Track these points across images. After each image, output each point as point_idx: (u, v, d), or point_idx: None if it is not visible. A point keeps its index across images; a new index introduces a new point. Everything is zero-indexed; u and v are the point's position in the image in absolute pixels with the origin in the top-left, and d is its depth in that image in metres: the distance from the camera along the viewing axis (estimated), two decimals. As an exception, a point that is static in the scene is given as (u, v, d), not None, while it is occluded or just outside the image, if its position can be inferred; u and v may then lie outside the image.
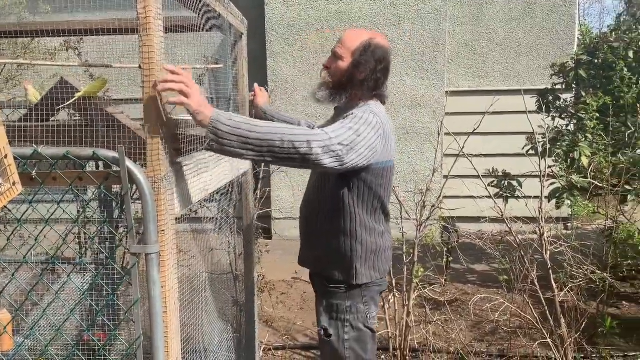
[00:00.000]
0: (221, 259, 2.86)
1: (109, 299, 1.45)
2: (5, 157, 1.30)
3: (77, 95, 1.77)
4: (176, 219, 1.56)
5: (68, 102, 1.80)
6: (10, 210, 1.77)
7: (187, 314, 1.96)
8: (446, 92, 6.00)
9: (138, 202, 1.41)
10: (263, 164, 3.14)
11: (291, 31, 5.89)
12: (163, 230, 1.43)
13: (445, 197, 5.08)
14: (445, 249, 4.13)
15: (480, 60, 6.28)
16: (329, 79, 1.97)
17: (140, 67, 1.38)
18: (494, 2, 6.15)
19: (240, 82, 2.36)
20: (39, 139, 1.74)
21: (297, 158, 1.62)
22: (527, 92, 4.51)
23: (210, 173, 1.84)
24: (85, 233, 2.40)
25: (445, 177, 3.23)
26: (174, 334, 1.49)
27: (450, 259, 3.74)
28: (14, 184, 1.33)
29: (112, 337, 1.62)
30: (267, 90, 2.61)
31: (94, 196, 2.08)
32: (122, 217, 2.53)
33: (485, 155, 5.22)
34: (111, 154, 1.37)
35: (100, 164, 1.55)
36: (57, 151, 1.37)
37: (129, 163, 1.35)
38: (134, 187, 1.37)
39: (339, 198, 1.92)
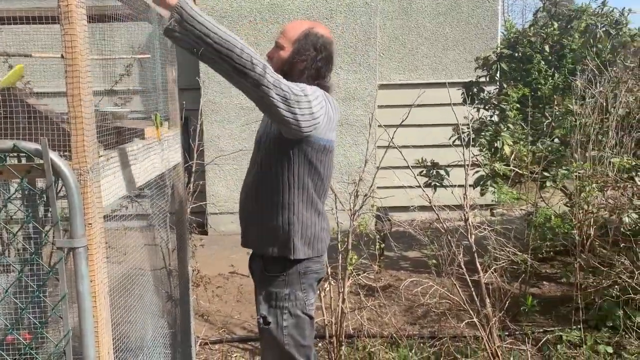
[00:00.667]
0: (154, 255, 2.81)
1: (34, 296, 1.41)
2: None
3: (-3, 86, 1.69)
4: (104, 214, 1.53)
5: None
6: None
7: (120, 311, 1.93)
8: (378, 85, 6.13)
9: (64, 199, 1.37)
10: (195, 157, 3.12)
11: (223, 23, 5.81)
12: (90, 224, 1.40)
13: (378, 187, 5.22)
14: (378, 237, 4.25)
15: (410, 54, 6.45)
16: None
17: (62, 56, 1.35)
18: (422, -3, 6.33)
19: (169, 73, 2.32)
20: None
21: (251, 75, 1.65)
22: (453, 84, 4.70)
23: (139, 165, 1.82)
24: (8, 231, 2.29)
25: (378, 167, 3.33)
26: (104, 329, 1.46)
27: (383, 246, 3.86)
28: None
29: (39, 336, 1.57)
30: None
31: (16, 192, 1.99)
32: (49, 213, 2.43)
33: (416, 146, 5.40)
34: (33, 146, 1.33)
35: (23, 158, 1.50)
36: (-27, 144, 1.31)
37: (52, 155, 1.32)
38: (60, 180, 1.34)
39: (278, 170, 1.95)
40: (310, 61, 1.95)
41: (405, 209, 4.31)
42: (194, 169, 3.03)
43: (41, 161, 1.32)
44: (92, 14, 1.68)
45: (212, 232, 5.90)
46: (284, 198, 1.96)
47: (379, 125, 3.40)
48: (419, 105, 3.61)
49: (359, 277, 3.23)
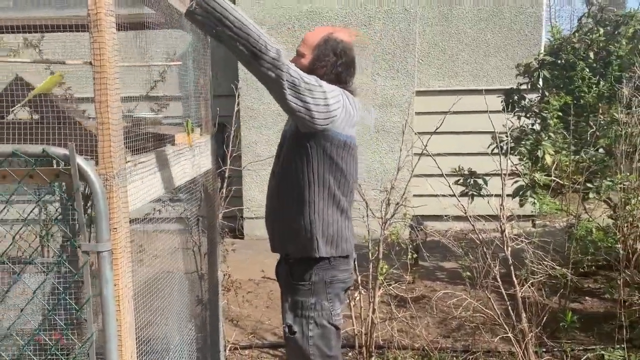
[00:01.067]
0: (185, 258, 2.84)
1: (60, 298, 1.44)
2: (-50, 154, 1.28)
3: (33, 92, 1.74)
4: (132, 218, 1.55)
5: (24, 100, 1.77)
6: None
7: (148, 314, 1.95)
8: (416, 91, 6.06)
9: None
10: (228, 159, 3.14)
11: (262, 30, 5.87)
12: (115, 228, 1.42)
13: (413, 195, 5.14)
14: (411, 247, 4.18)
15: (450, 61, 6.35)
16: None
17: (91, 63, 1.37)
18: (462, 2, 6.23)
19: (202, 80, 2.35)
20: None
21: (265, 58, 1.68)
22: (494, 92, 4.59)
23: (169, 171, 1.84)
24: (44, 233, 2.36)
25: (412, 175, 3.27)
26: (127, 333, 1.48)
27: (415, 256, 3.79)
28: (-41, 181, 1.31)
29: (66, 338, 1.60)
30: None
31: (45, 195, 2.05)
32: (85, 215, 2.49)
33: (453, 154, 5.31)
34: (62, 151, 1.35)
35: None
36: (5, 149, 1.35)
37: (79, 160, 1.34)
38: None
39: (297, 166, 1.94)
40: (330, 66, 1.95)
41: (439, 218, 4.24)
42: (227, 175, 3.05)
43: (69, 166, 1.34)
44: (123, 22, 1.71)
45: (247, 237, 5.94)
46: (304, 194, 1.94)
47: (415, 133, 3.36)
48: (457, 112, 3.54)
49: (390, 287, 3.18)
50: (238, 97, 3.62)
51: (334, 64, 1.95)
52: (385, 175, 5.87)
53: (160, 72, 2.75)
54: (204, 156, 2.28)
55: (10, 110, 1.88)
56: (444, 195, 3.43)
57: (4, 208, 1.41)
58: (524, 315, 2.84)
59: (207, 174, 2.45)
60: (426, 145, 2.92)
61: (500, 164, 2.93)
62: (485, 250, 2.94)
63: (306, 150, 1.90)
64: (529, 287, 2.99)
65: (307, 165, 1.91)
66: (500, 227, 2.88)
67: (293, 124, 1.95)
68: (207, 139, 2.33)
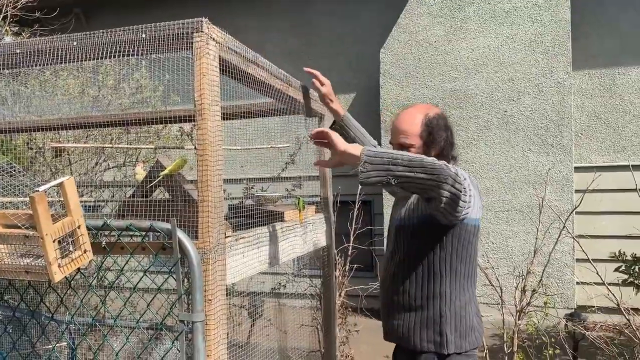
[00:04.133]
0: (308, 335, 2.86)
1: (159, 363, 1.54)
2: (79, 227, 1.49)
3: (162, 174, 1.98)
4: (227, 288, 1.63)
5: (155, 180, 2.02)
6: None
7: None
8: (575, 167, 5.58)
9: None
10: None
11: (407, 110, 5.98)
12: (210, 300, 1.50)
13: (578, 283, 4.60)
14: (571, 343, 3.69)
15: (615, 134, 5.79)
16: None
17: (195, 147, 1.53)
18: (627, 72, 5.73)
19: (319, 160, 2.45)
20: (138, 212, 1.96)
21: (447, 182, 1.59)
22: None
23: (274, 246, 1.91)
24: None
25: (578, 260, 2.96)
26: (217, 404, 1.51)
27: (573, 353, 3.33)
28: (85, 251, 1.51)
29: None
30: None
31: (151, 265, 2.23)
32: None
33: (617, 237, 4.70)
34: (166, 225, 1.49)
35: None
36: (122, 223, 1.54)
37: (179, 234, 1.47)
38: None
39: (429, 256, 1.83)
40: (444, 143, 1.89)
41: (610, 310, 3.70)
42: (350, 252, 3.06)
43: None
44: (241, 111, 1.89)
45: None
46: (435, 287, 1.83)
47: (577, 212, 3.04)
48: (623, 190, 3.18)
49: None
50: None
51: (446, 138, 1.89)
52: (541, 258, 5.38)
53: (290, 155, 2.93)
54: (318, 233, 2.33)
55: (149, 188, 2.15)
56: (596, 284, 3.03)
57: (119, 274, 1.58)
58: None
59: (327, 250, 2.49)
60: (565, 225, 2.64)
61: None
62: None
63: (440, 241, 1.80)
64: None
65: (439, 256, 1.81)
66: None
67: (420, 213, 1.86)
68: (322, 216, 2.39)
